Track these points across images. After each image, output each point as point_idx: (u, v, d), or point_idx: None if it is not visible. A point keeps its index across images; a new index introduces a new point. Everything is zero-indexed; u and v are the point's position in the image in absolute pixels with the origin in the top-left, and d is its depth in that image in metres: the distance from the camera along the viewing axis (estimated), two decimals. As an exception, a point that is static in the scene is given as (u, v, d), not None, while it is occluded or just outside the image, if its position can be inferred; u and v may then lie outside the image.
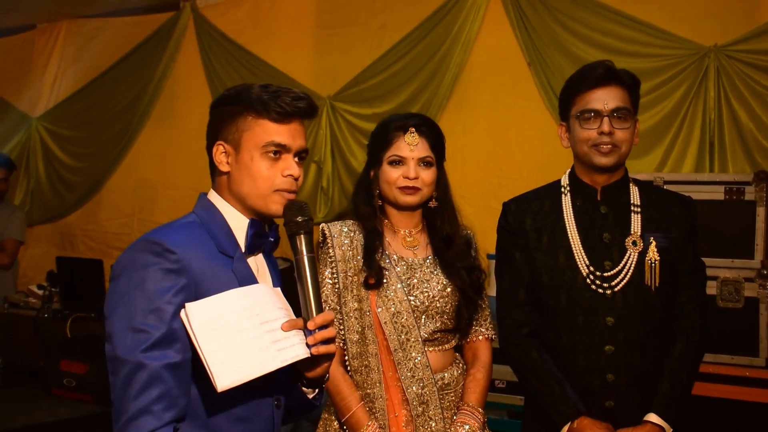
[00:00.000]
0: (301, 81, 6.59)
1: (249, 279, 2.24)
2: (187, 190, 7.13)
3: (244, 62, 6.98)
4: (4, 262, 6.71)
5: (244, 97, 2.21)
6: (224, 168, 2.25)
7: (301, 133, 2.25)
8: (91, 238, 8.08)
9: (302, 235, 2.17)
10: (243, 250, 2.26)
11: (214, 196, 2.29)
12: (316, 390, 2.32)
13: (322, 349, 2.15)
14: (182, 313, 2.05)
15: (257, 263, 2.31)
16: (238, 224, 2.27)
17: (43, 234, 8.40)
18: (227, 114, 2.24)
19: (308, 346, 2.14)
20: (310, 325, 2.14)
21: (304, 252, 2.17)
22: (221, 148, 2.24)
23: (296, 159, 2.25)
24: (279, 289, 2.28)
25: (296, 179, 2.24)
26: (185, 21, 7.46)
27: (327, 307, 2.89)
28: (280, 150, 2.21)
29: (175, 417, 2.00)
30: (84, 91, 8.13)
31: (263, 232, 2.28)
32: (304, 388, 2.29)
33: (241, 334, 2.07)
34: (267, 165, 2.21)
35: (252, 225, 2.26)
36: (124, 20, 7.95)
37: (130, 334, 2.01)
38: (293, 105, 2.21)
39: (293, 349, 2.13)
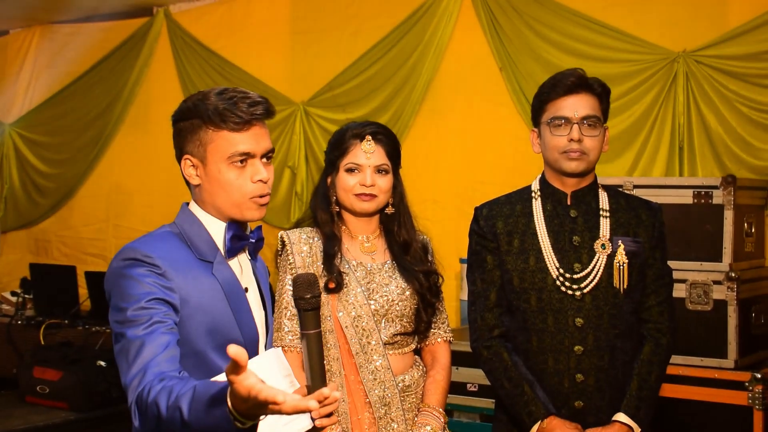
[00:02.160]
0: (274, 86, 6.60)
1: (231, 281, 2.27)
2: (162, 195, 7.12)
3: (218, 68, 6.98)
4: (-22, 269, 6.69)
5: (201, 110, 2.21)
6: (195, 181, 2.28)
7: (263, 136, 2.26)
8: (66, 244, 8.05)
9: (310, 312, 2.18)
10: (223, 254, 2.28)
11: (193, 206, 2.33)
12: None
13: (325, 422, 2.23)
14: None
15: (241, 265, 2.34)
16: (217, 229, 2.30)
17: (17, 240, 8.36)
18: (187, 129, 2.25)
19: (312, 418, 2.19)
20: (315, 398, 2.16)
21: (312, 328, 2.18)
22: (188, 162, 2.26)
23: (264, 160, 2.27)
24: (280, 350, 2.28)
25: (266, 182, 2.26)
26: (159, 27, 7.44)
27: (288, 314, 2.91)
28: (245, 157, 2.22)
29: (168, 369, 2.02)
30: (58, 97, 8.10)
31: (242, 234, 2.31)
32: None
33: None
34: (235, 175, 2.22)
35: (229, 228, 2.28)
36: (97, 26, 7.92)
37: (123, 329, 2.07)
38: (250, 112, 2.21)
39: (298, 421, 2.16)
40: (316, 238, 3.00)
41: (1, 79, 8.56)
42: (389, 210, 3.04)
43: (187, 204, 2.34)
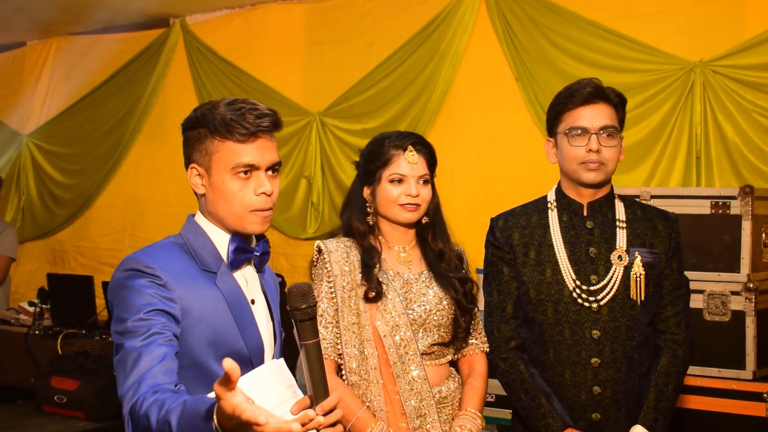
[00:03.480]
0: (290, 97, 6.62)
1: (235, 292, 2.27)
2: (178, 205, 7.14)
3: (234, 78, 7.00)
4: (-4, 279, 6.71)
5: (209, 120, 2.21)
6: (200, 190, 2.28)
7: (269, 148, 2.25)
8: (83, 255, 8.08)
9: (306, 322, 2.16)
10: (228, 266, 2.28)
11: (198, 216, 2.33)
12: None
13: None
14: None
15: (245, 277, 2.33)
16: (222, 241, 2.29)
17: (34, 250, 8.40)
18: (195, 137, 2.26)
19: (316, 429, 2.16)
20: (318, 411, 2.14)
21: (310, 338, 2.16)
22: (194, 171, 2.27)
23: (269, 173, 2.26)
24: (282, 360, 2.26)
25: (270, 195, 2.24)
26: (175, 38, 7.48)
27: (323, 321, 2.91)
28: (249, 169, 2.22)
29: (164, 381, 2.02)
30: (74, 107, 8.14)
31: (246, 247, 2.30)
32: None
33: None
34: (239, 186, 2.22)
35: (232, 240, 2.28)
36: (114, 37, 7.96)
37: (122, 340, 2.08)
38: (256, 124, 2.20)
39: None
40: (353, 248, 3.01)
41: (18, 90, 8.61)
42: (425, 219, 3.05)
43: (194, 215, 2.35)
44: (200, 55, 7.26)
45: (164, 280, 2.14)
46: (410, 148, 2.99)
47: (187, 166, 2.30)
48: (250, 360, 2.25)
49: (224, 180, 2.22)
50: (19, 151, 8.47)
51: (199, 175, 2.27)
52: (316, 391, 2.16)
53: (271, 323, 2.39)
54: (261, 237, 2.37)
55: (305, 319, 2.16)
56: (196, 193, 2.32)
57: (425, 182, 3.01)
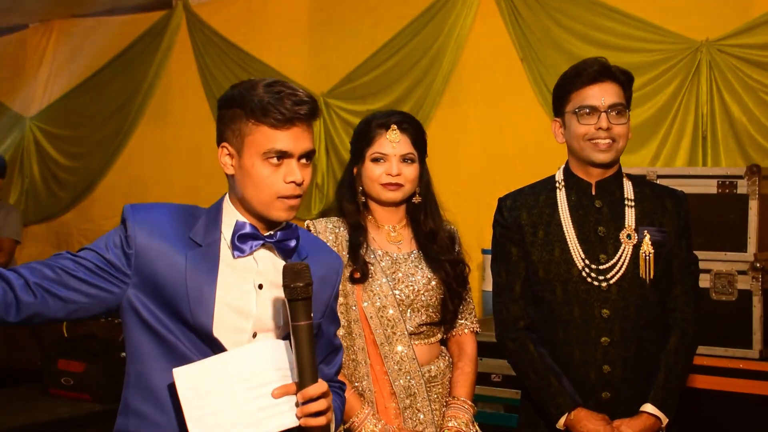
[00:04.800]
0: (294, 78, 6.58)
1: (205, 271, 2.21)
2: (182, 188, 7.14)
3: (238, 60, 6.99)
4: (0, 261, 6.71)
5: (246, 101, 2.17)
6: (229, 171, 2.24)
7: (304, 136, 2.20)
8: (87, 237, 8.08)
9: (300, 302, 2.10)
10: (230, 246, 2.23)
11: (226, 197, 2.30)
12: None
13: (311, 421, 2.12)
14: (173, 377, 2.10)
15: (256, 260, 2.26)
16: (231, 224, 2.25)
17: (38, 233, 8.40)
18: (229, 117, 2.22)
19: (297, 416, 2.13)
20: (300, 398, 2.10)
21: (302, 320, 2.10)
22: (225, 150, 2.23)
23: (303, 161, 2.21)
24: (280, 341, 2.22)
25: (300, 184, 2.20)
26: (178, 19, 7.46)
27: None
28: (281, 156, 2.17)
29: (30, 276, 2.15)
30: (77, 90, 8.13)
31: (254, 234, 2.24)
32: None
33: (227, 401, 2.09)
34: (269, 171, 2.18)
35: (241, 226, 2.23)
36: (116, 19, 7.95)
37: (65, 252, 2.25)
38: (294, 110, 2.15)
39: (280, 417, 2.11)
40: (341, 228, 3.01)
41: (20, 73, 8.60)
42: (416, 199, 3.04)
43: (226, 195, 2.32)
44: (203, 37, 7.25)
45: (128, 233, 2.18)
46: (393, 126, 2.98)
47: (218, 143, 2.26)
48: (195, 333, 2.19)
49: (254, 164, 2.18)
50: (23, 134, 8.47)
51: (229, 154, 2.23)
52: (303, 376, 2.10)
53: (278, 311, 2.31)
54: (287, 225, 2.30)
55: (296, 299, 2.11)
56: (225, 174, 2.29)
57: (410, 161, 2.99)
